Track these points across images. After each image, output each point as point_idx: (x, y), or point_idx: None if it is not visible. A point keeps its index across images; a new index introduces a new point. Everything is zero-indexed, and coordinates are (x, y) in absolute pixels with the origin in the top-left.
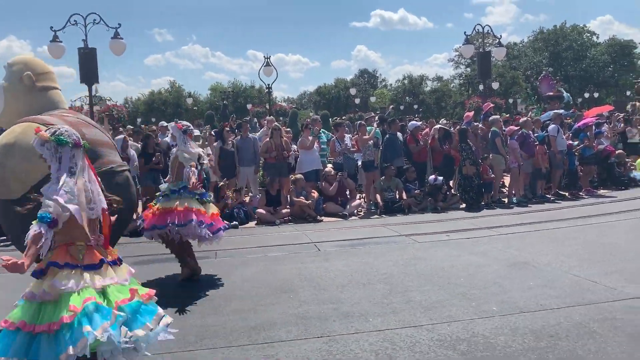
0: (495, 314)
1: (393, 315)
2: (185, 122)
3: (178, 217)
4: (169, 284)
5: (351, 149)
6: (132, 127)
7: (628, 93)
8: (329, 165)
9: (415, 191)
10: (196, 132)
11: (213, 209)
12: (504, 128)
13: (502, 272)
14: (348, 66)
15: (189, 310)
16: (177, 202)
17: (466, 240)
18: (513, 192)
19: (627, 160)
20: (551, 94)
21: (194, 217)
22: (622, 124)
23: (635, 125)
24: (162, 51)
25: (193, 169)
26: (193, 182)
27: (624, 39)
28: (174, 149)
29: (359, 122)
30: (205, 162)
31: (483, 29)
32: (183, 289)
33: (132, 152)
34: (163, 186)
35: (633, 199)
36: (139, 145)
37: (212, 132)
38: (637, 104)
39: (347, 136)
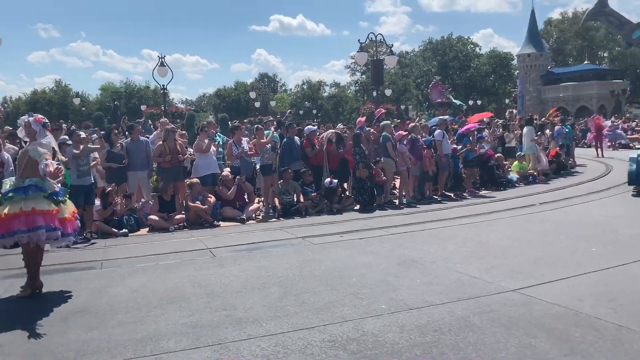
0: (384, 312)
1: (286, 318)
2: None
3: (26, 223)
4: (45, 296)
5: (248, 153)
6: (10, 128)
7: (507, 101)
8: (226, 169)
9: (312, 194)
10: (82, 134)
11: (68, 211)
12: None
13: (391, 270)
14: (248, 69)
15: (68, 324)
16: (22, 205)
17: (359, 241)
18: (403, 193)
19: (505, 163)
20: (441, 100)
21: (42, 221)
22: (501, 130)
23: (512, 131)
24: (47, 48)
25: (50, 160)
26: (51, 171)
27: (503, 51)
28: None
29: (256, 125)
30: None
31: (376, 37)
32: (62, 302)
33: (7, 156)
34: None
35: (510, 198)
36: (17, 148)
37: (101, 135)
38: (514, 111)
39: (245, 140)
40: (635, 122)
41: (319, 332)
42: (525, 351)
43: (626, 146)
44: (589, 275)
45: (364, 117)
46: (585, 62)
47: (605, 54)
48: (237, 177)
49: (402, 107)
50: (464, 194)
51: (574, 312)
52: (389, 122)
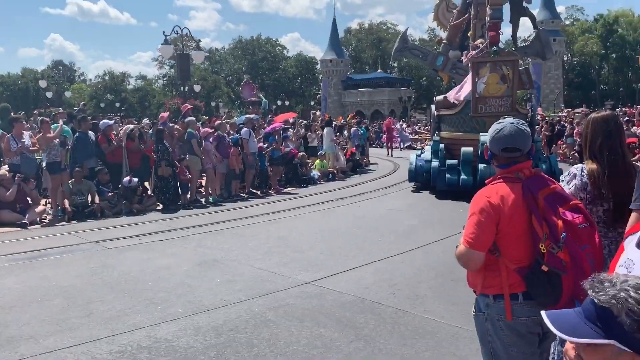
0: (180, 316)
1: (69, 332)
2: None
3: None
4: None
5: (30, 148)
6: None
7: (312, 103)
8: (4, 167)
9: (109, 194)
10: None
11: None
12: (200, 129)
13: (191, 272)
14: (40, 55)
15: None
16: None
17: (159, 243)
18: (210, 192)
19: (307, 161)
20: (252, 99)
21: None
22: (304, 130)
23: (314, 131)
24: None
25: None
26: None
27: (308, 55)
28: None
29: (40, 118)
30: None
31: (182, 31)
32: None
33: None
34: None
35: (311, 195)
36: None
37: None
38: (317, 112)
39: (27, 134)
40: (418, 126)
41: (107, 344)
42: (315, 341)
43: (411, 147)
44: (375, 264)
45: (168, 113)
46: (379, 70)
47: (395, 65)
48: (17, 176)
49: (213, 103)
50: (270, 192)
51: (360, 299)
52: (194, 118)
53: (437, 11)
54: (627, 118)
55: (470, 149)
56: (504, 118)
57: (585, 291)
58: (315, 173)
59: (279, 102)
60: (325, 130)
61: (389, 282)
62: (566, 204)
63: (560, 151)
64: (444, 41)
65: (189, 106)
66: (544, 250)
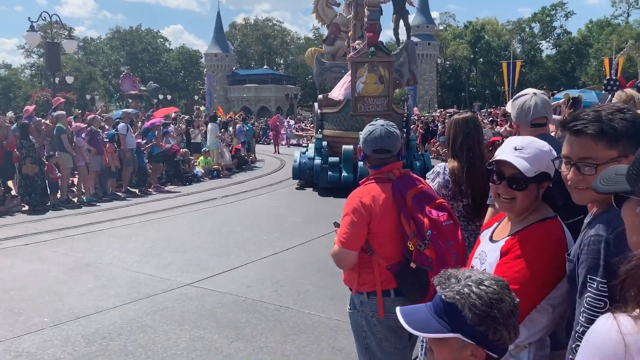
0: (46, 326)
1: None
2: None
3: None
4: None
5: None
6: None
7: (196, 97)
8: None
9: None
10: None
11: None
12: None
13: (61, 277)
14: None
15: None
16: None
17: (24, 247)
18: (83, 191)
19: (190, 158)
20: (133, 92)
21: None
22: (186, 125)
23: (197, 127)
24: None
25: None
26: None
27: (192, 48)
28: None
29: None
30: None
31: (51, 17)
32: None
33: None
34: None
35: (194, 193)
36: None
37: None
38: (201, 107)
39: None
40: (304, 123)
41: None
42: (195, 344)
43: (298, 144)
44: (258, 262)
45: (33, 106)
46: (265, 66)
47: (282, 61)
48: None
49: (88, 96)
50: (150, 190)
51: (242, 298)
52: (63, 112)
53: (317, 6)
54: (491, 118)
55: (351, 147)
56: (376, 120)
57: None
58: (199, 170)
59: (161, 96)
60: (209, 126)
61: (272, 280)
62: (432, 203)
63: (434, 149)
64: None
65: (61, 99)
66: (411, 248)
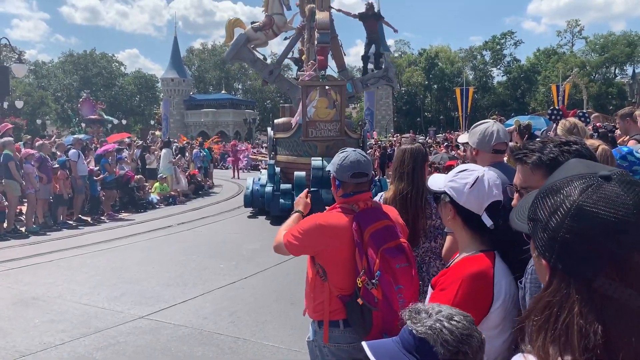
0: None
1: None
2: None
3: None
4: None
5: None
6: None
7: (152, 122)
8: None
9: None
10: None
11: None
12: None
13: (4, 312)
14: None
15: None
16: None
17: None
18: (32, 220)
19: (145, 184)
20: (93, 117)
21: None
22: (141, 151)
23: (152, 152)
24: None
25: None
26: None
27: (148, 73)
28: None
29: None
30: None
31: (0, 40)
32: None
33: None
34: None
35: (149, 220)
36: None
37: None
38: (157, 132)
39: None
40: (263, 147)
41: None
42: None
43: (256, 167)
44: (215, 292)
45: None
46: (223, 91)
47: (240, 86)
48: None
49: (39, 121)
50: (102, 218)
51: (198, 331)
52: (10, 138)
53: (267, 2)
54: (446, 143)
55: (303, 173)
56: (344, 149)
57: (402, 321)
58: (154, 197)
59: (116, 121)
60: (163, 151)
61: (229, 310)
62: (391, 242)
63: (391, 173)
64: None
65: (9, 125)
66: (360, 284)
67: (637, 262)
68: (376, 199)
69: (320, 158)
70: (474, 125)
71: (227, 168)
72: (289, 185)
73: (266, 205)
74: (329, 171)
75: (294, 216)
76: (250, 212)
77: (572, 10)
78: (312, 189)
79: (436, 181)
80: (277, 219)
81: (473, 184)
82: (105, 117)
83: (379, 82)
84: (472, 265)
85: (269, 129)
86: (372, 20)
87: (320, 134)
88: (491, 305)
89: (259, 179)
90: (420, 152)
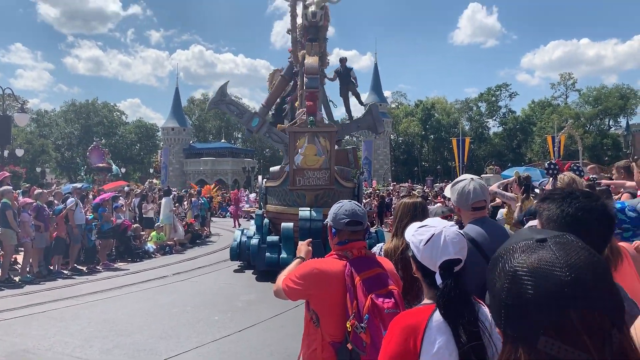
0: None
1: None
2: None
3: None
4: None
5: None
6: None
7: (151, 170)
8: None
9: None
10: None
11: None
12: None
13: None
14: None
15: None
16: None
17: None
18: (27, 269)
19: (142, 233)
20: (101, 165)
21: None
22: (140, 199)
23: (150, 201)
24: None
25: None
26: None
27: (149, 122)
28: None
29: None
30: None
31: (3, 91)
32: None
33: None
34: None
35: (144, 270)
36: None
37: None
38: (155, 181)
39: None
40: None
41: None
42: None
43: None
44: (210, 345)
45: None
46: (223, 140)
47: (239, 135)
48: None
49: (38, 169)
50: (98, 267)
51: None
52: (9, 187)
53: (272, 79)
54: (443, 193)
55: (291, 224)
56: (341, 201)
57: None
58: (151, 246)
59: (123, 170)
60: (163, 200)
61: None
62: (382, 289)
63: (389, 222)
64: (262, 103)
65: (6, 173)
66: (349, 328)
67: (574, 321)
68: (375, 249)
69: (309, 208)
70: (454, 181)
71: (225, 216)
72: (276, 238)
73: (252, 259)
74: (326, 223)
75: (295, 262)
76: (238, 266)
77: (565, 63)
78: (315, 240)
79: (408, 232)
80: (264, 275)
81: (427, 241)
82: (113, 165)
83: (361, 129)
84: (406, 318)
85: (259, 177)
86: (345, 73)
87: (308, 182)
88: (419, 358)
89: (248, 230)
90: (418, 206)
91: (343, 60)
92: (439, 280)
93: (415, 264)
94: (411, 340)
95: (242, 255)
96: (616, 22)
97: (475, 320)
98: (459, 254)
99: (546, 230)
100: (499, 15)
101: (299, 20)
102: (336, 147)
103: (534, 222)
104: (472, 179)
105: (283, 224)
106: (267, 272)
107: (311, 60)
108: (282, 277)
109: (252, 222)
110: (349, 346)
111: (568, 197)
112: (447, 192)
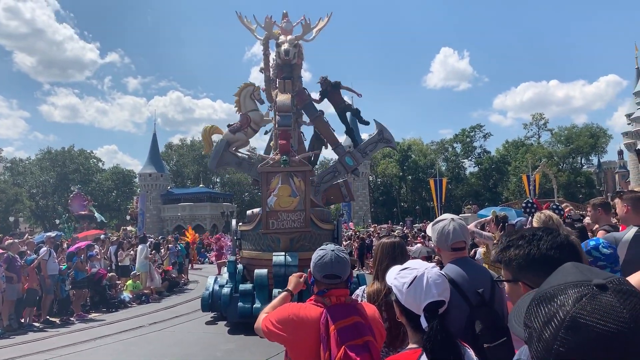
0: None
1: None
2: None
3: None
4: None
5: None
6: None
7: (128, 218)
8: None
9: None
10: None
11: None
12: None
13: None
14: None
15: None
16: None
17: None
18: None
19: (118, 282)
20: (83, 212)
21: None
22: (116, 247)
23: (125, 249)
24: None
25: None
26: None
27: (126, 168)
28: None
29: None
30: None
31: None
32: None
33: None
34: None
35: (120, 320)
36: None
37: None
38: (129, 228)
39: None
40: None
41: None
42: None
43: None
44: None
45: None
46: (201, 185)
47: (218, 180)
48: None
49: (11, 218)
50: (72, 319)
51: None
52: None
53: (241, 92)
54: (422, 233)
55: (265, 271)
56: (326, 244)
57: None
58: (127, 295)
59: (105, 220)
60: (139, 247)
61: None
62: (358, 339)
63: (370, 263)
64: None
65: None
66: None
67: None
68: (358, 292)
69: (283, 253)
70: (434, 221)
71: (203, 262)
72: (249, 286)
73: (222, 310)
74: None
75: (282, 295)
76: (211, 317)
77: (535, 104)
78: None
79: (389, 276)
80: (238, 327)
81: (410, 283)
82: (96, 213)
83: (378, 147)
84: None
85: (233, 221)
86: (332, 92)
87: (282, 225)
88: None
89: (221, 277)
90: (396, 247)
91: (323, 80)
92: (424, 323)
93: (399, 308)
94: None
95: (215, 305)
96: (583, 64)
97: None
98: (442, 295)
99: (596, 270)
100: (470, 59)
101: (272, 60)
102: (336, 181)
103: (500, 277)
104: (452, 219)
105: (256, 271)
106: (242, 325)
107: (283, 98)
108: (263, 314)
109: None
110: None
111: (531, 238)
112: (429, 230)
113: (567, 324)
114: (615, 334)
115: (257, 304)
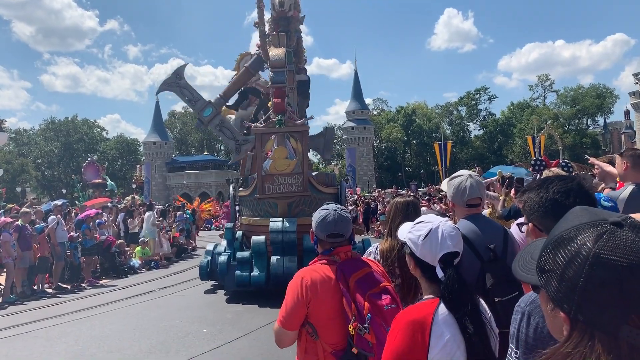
0: None
1: None
2: None
3: None
4: None
5: None
6: None
7: (134, 186)
8: None
9: None
10: None
11: None
12: None
13: None
14: None
15: None
16: None
17: None
18: (10, 290)
19: (127, 249)
20: (97, 181)
21: None
22: (124, 214)
23: (135, 217)
24: None
25: None
26: None
27: (130, 137)
28: None
29: None
30: None
31: None
32: None
33: None
34: None
35: (130, 286)
36: None
37: None
38: (136, 196)
39: None
40: None
41: None
42: None
43: None
44: (199, 358)
45: None
46: (205, 153)
47: (222, 147)
48: None
49: (18, 189)
50: (83, 285)
51: None
52: None
53: (240, 63)
54: (428, 197)
55: (262, 237)
56: (328, 204)
57: None
58: (136, 261)
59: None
60: (146, 214)
61: None
62: (376, 287)
63: (375, 228)
64: (220, 94)
65: None
66: (352, 332)
67: None
68: (371, 249)
69: (281, 219)
70: (451, 176)
71: (210, 229)
72: (246, 253)
73: (220, 278)
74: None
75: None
76: (211, 286)
77: (541, 65)
78: (290, 255)
79: (402, 231)
80: (236, 296)
81: (426, 236)
82: (109, 181)
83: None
84: (412, 313)
85: (231, 186)
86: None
87: (279, 189)
88: (428, 351)
89: (221, 245)
90: (410, 205)
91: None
92: (440, 273)
93: (414, 261)
94: (418, 335)
95: (214, 273)
96: (589, 23)
97: (478, 311)
98: (457, 247)
99: (605, 211)
100: (475, 20)
101: (268, 14)
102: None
103: (520, 220)
104: (470, 175)
105: (253, 238)
106: (240, 294)
107: (277, 52)
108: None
109: None
110: (355, 350)
111: (544, 183)
112: (444, 185)
113: (592, 261)
114: (639, 265)
115: (255, 272)
